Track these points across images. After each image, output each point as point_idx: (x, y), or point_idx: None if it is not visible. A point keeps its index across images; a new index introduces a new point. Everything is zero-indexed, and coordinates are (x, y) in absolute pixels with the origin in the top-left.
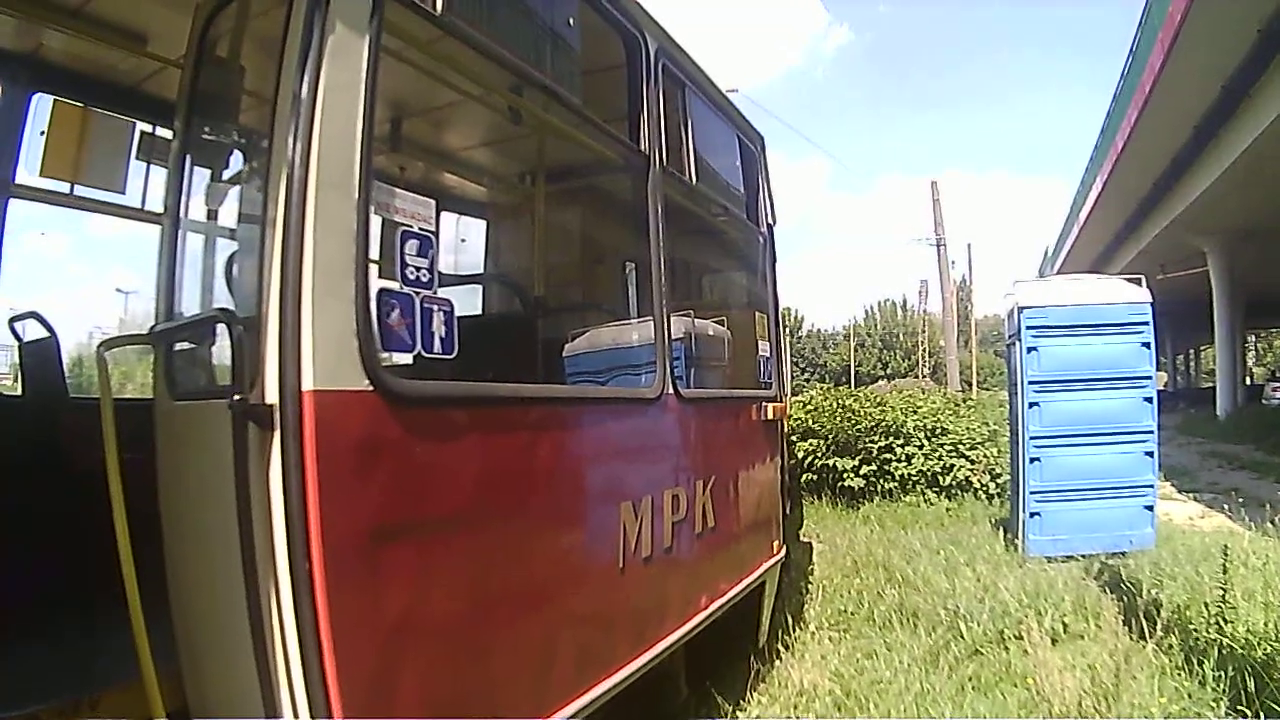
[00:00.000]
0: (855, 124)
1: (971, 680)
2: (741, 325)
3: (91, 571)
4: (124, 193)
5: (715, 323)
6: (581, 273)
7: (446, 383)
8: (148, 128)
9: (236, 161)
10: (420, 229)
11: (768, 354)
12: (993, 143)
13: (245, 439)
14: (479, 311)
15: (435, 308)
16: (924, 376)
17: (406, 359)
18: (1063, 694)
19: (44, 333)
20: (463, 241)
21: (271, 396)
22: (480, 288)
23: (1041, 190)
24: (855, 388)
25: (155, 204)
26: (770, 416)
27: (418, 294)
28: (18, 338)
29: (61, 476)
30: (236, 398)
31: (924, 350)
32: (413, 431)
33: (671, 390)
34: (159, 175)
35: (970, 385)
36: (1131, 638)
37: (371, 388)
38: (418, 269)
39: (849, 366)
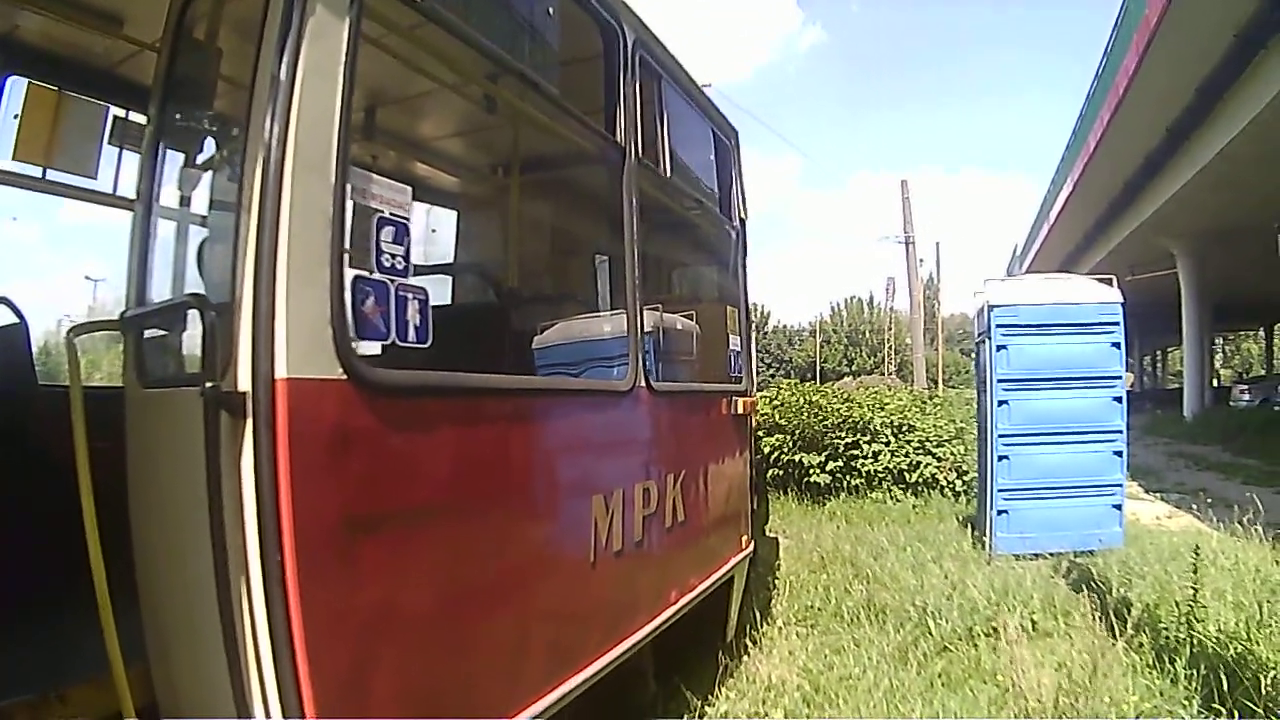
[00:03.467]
0: (827, 122)
1: (941, 677)
2: (713, 319)
3: (59, 565)
4: (96, 178)
5: (686, 316)
6: (554, 264)
7: (421, 372)
8: (121, 112)
9: (211, 146)
10: (395, 215)
11: (738, 348)
12: (964, 141)
13: (217, 427)
14: (449, 302)
15: (410, 296)
16: (889, 374)
17: (376, 348)
18: (1035, 691)
19: (12, 319)
20: (433, 231)
21: (244, 384)
22: (450, 278)
23: (1011, 189)
24: (820, 384)
25: (127, 190)
26: (740, 411)
27: (392, 281)
28: None
29: (29, 467)
30: (208, 385)
31: (890, 347)
32: (386, 421)
33: (644, 383)
34: (132, 161)
35: (936, 383)
36: (1101, 636)
37: (345, 376)
38: (393, 256)
39: (814, 363)
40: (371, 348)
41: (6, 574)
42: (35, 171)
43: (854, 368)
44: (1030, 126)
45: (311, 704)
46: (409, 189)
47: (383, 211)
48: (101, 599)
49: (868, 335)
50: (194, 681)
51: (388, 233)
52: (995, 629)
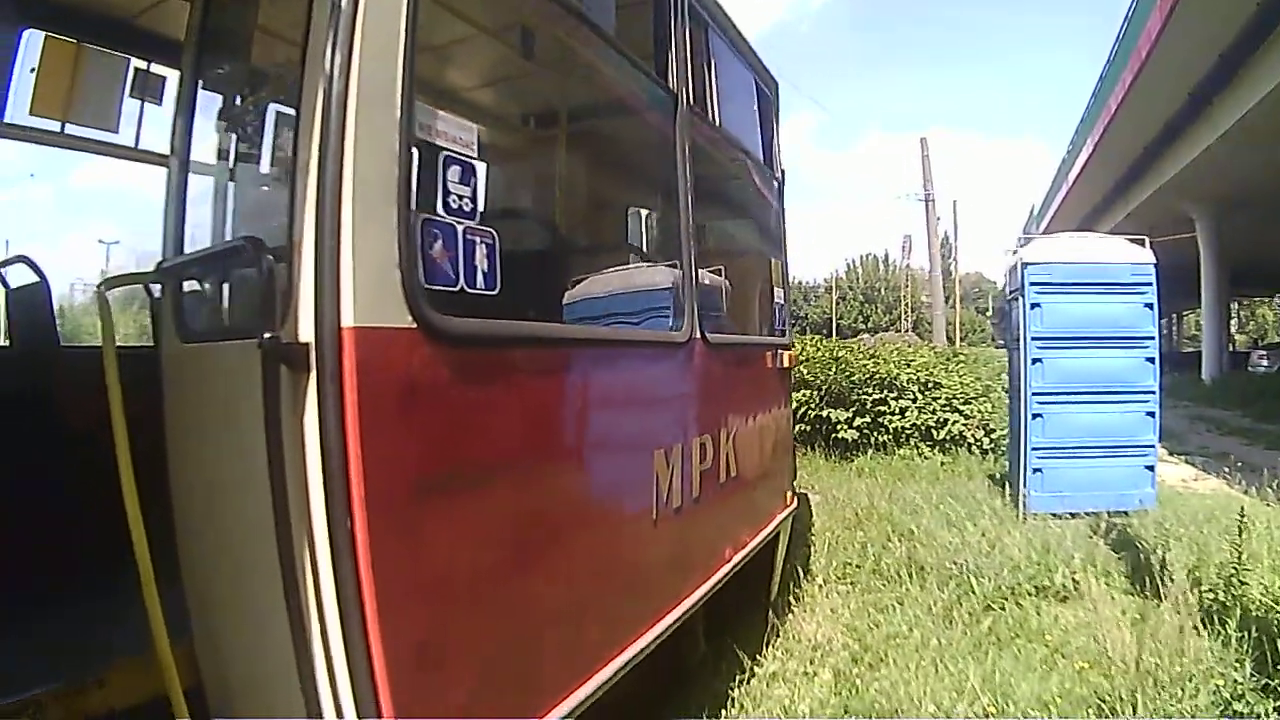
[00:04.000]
0: (840, 80)
1: (989, 636)
2: (759, 271)
3: (90, 538)
4: (117, 131)
5: (735, 268)
6: (605, 213)
7: (489, 321)
8: (142, 64)
9: (257, 86)
10: (462, 154)
11: (781, 301)
12: (979, 102)
13: (277, 382)
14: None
15: (478, 240)
16: (905, 331)
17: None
18: (1084, 651)
19: (33, 278)
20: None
21: (306, 334)
22: (500, 225)
23: (1024, 151)
24: (836, 340)
25: (150, 144)
26: (785, 364)
27: (459, 224)
28: (4, 285)
29: (54, 433)
30: (266, 337)
31: (906, 305)
32: (456, 373)
33: (699, 335)
34: (153, 114)
35: (952, 341)
36: (1145, 596)
37: (415, 325)
38: (460, 197)
39: (830, 319)
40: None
41: (32, 552)
42: (54, 127)
43: (869, 324)
44: (1046, 88)
45: (384, 675)
46: (475, 127)
47: (449, 150)
48: (144, 572)
49: (883, 293)
50: (248, 657)
51: (454, 172)
52: (1038, 588)
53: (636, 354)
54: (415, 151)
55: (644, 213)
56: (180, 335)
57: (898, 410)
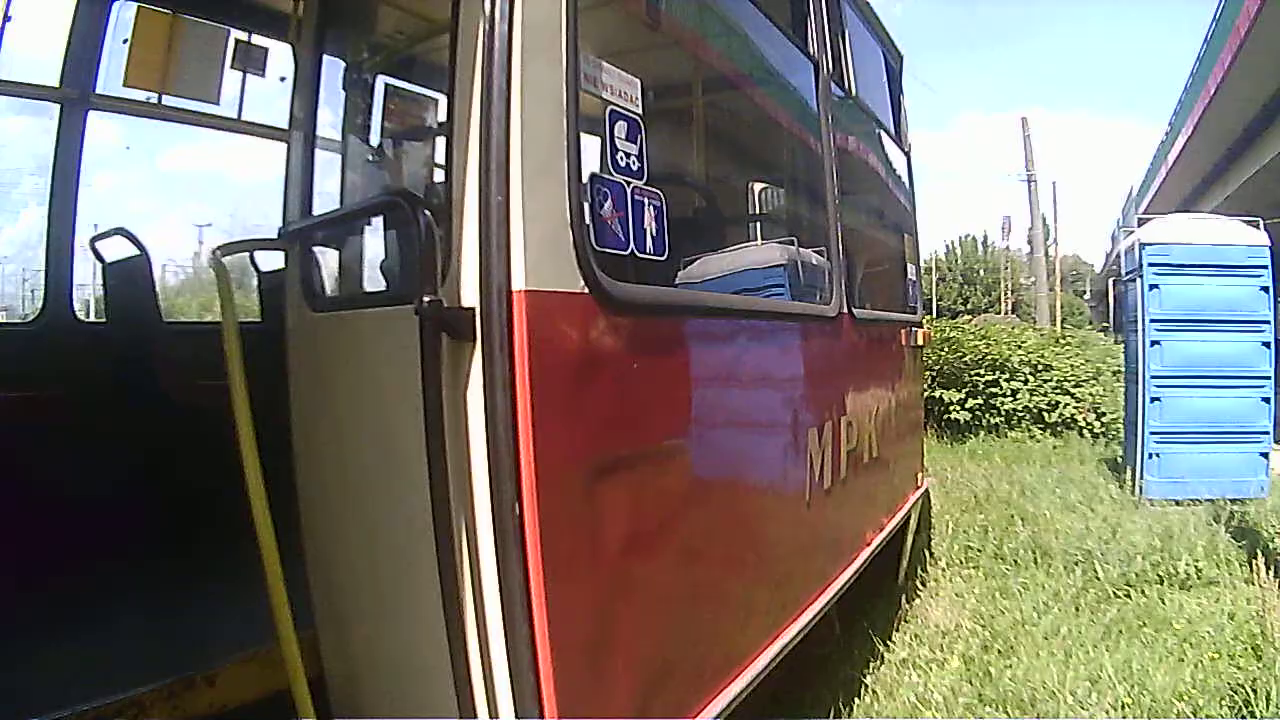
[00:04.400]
0: (936, 60)
1: (1118, 624)
2: (895, 246)
3: (194, 521)
4: (218, 103)
5: (875, 242)
6: (751, 181)
7: (660, 288)
8: (242, 35)
9: (384, 47)
10: (628, 110)
11: (914, 277)
12: (1075, 82)
13: (437, 351)
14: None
15: (646, 201)
16: (1005, 312)
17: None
18: (1213, 641)
19: (132, 251)
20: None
21: (470, 298)
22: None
23: (1122, 132)
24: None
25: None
26: (919, 342)
27: (628, 184)
28: (100, 259)
29: (160, 415)
30: (426, 301)
31: (1005, 287)
32: (627, 343)
33: (847, 310)
34: (256, 85)
35: (1054, 323)
36: (1268, 586)
37: (586, 290)
38: (627, 155)
39: (930, 300)
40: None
41: (133, 537)
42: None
43: (969, 306)
44: (1144, 68)
45: (550, 673)
46: (637, 80)
47: (615, 103)
48: (269, 560)
49: (982, 274)
50: (385, 649)
51: (621, 128)
52: (1162, 575)
53: (793, 328)
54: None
55: (790, 182)
56: (309, 304)
57: (1009, 392)
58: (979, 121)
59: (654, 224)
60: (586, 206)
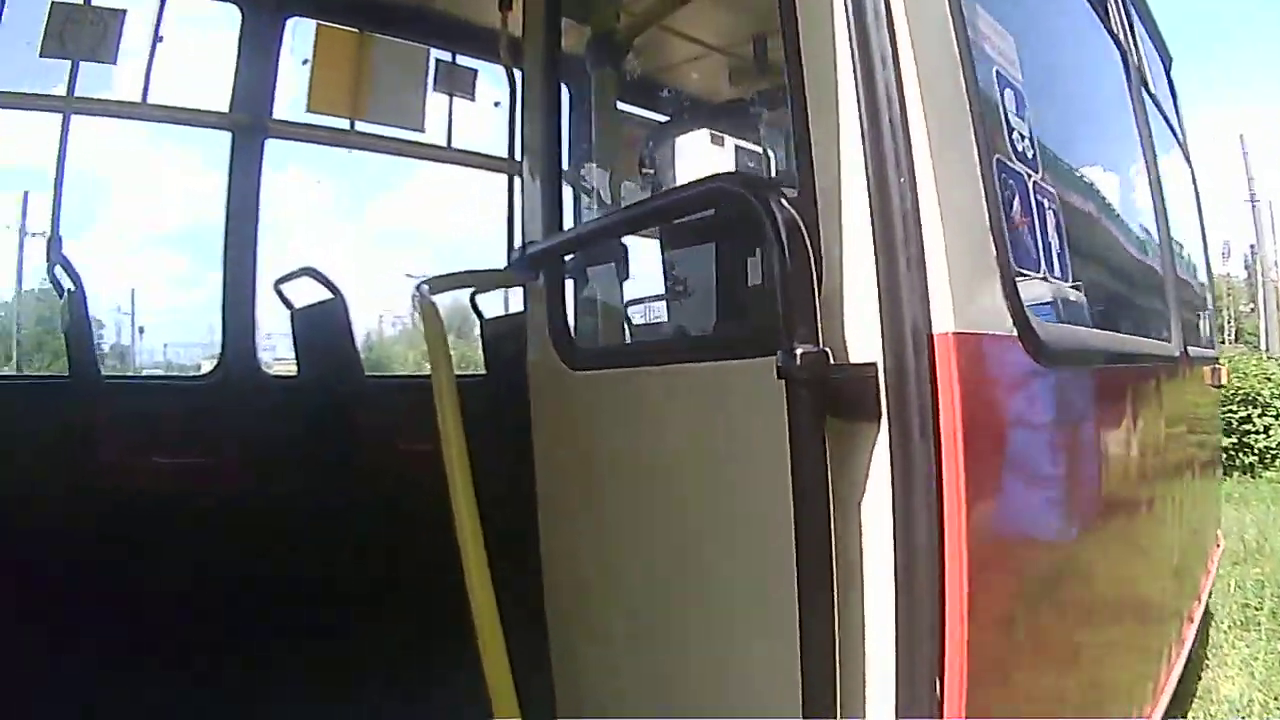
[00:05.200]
0: None
1: None
2: (1189, 269)
3: (395, 589)
4: (423, 130)
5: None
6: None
7: (1081, 329)
8: (445, 55)
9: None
10: (1012, 76)
11: (1210, 307)
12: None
13: (819, 431)
14: None
15: (1046, 203)
16: (1228, 341)
17: None
18: None
19: (324, 294)
20: None
21: (862, 350)
22: None
23: None
24: None
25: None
26: (1223, 381)
27: (1028, 176)
28: (287, 304)
29: (354, 481)
30: (800, 353)
31: (1229, 314)
32: (1060, 407)
33: (1184, 348)
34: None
35: None
36: None
37: (1015, 333)
38: (1021, 137)
39: None
40: None
41: (317, 626)
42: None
43: None
44: None
45: None
46: (1011, 37)
47: (1000, 64)
48: (490, 643)
49: None
50: None
51: (1009, 98)
52: None
53: (1154, 369)
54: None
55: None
56: (565, 356)
57: (1261, 428)
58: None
59: (1056, 236)
60: (1002, 209)
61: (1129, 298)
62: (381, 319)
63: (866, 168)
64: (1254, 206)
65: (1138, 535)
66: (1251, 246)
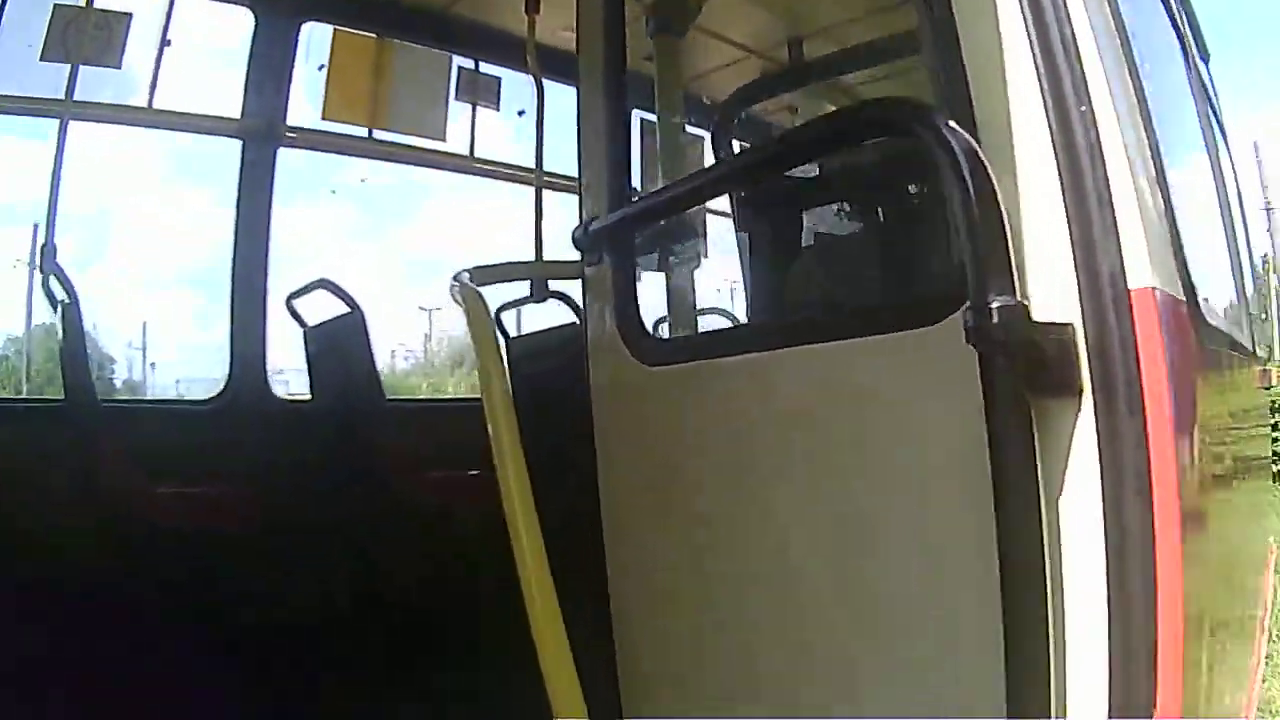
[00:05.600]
0: None
1: None
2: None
3: (429, 634)
4: (444, 139)
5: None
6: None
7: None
8: (468, 62)
9: None
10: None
11: (1256, 309)
12: None
13: (1022, 402)
14: None
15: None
16: None
17: None
18: None
19: (342, 307)
20: None
21: (1060, 308)
22: None
23: None
24: None
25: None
26: (1274, 383)
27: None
28: (300, 321)
29: (376, 512)
30: (996, 306)
31: None
32: (1212, 382)
33: (1253, 347)
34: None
35: None
36: None
37: (1184, 298)
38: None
39: None
40: None
41: (341, 675)
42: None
43: None
44: None
45: None
46: None
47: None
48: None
49: None
50: None
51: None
52: None
53: (1245, 360)
54: None
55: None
56: (637, 351)
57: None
58: None
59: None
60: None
61: (1223, 286)
62: (394, 354)
63: (1043, 94)
64: (1269, 214)
65: (1235, 533)
66: (1264, 255)
